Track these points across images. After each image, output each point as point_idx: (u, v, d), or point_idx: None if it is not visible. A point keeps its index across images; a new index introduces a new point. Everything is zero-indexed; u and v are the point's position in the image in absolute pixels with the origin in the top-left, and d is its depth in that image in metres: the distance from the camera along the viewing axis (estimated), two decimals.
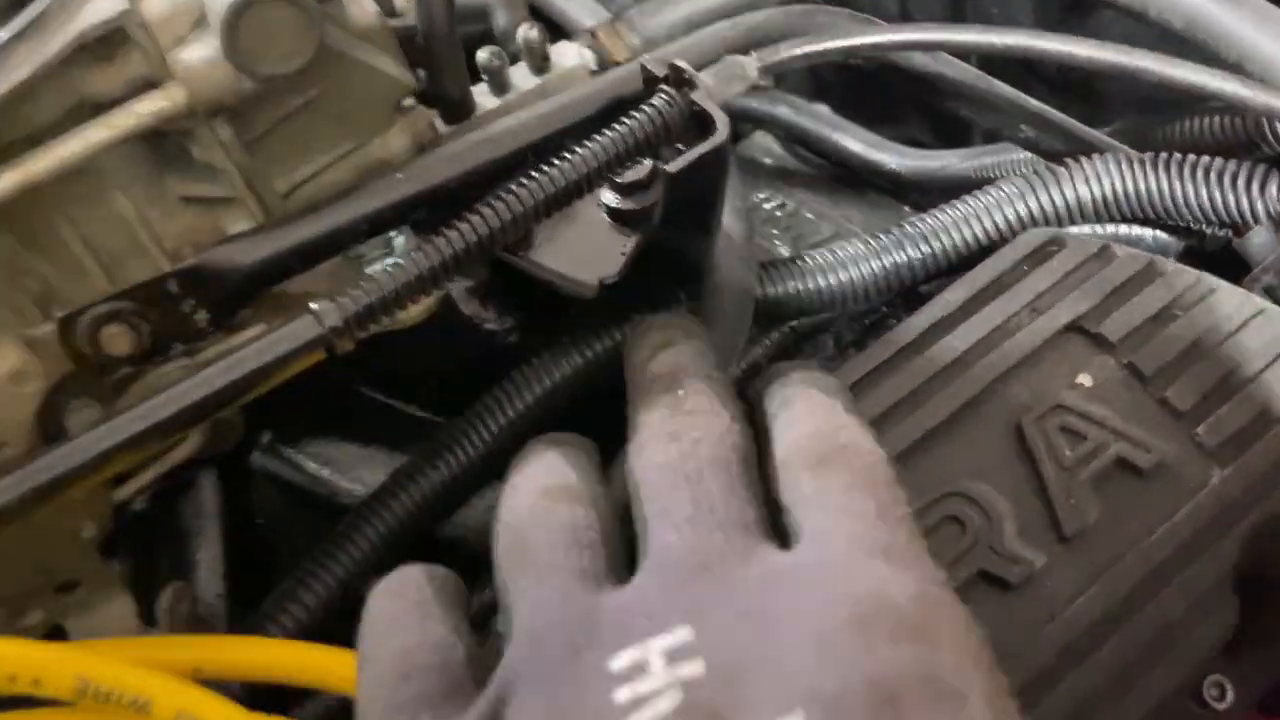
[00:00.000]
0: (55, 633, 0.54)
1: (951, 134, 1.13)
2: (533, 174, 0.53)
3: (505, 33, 0.82)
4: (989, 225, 0.70)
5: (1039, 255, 0.63)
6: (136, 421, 0.46)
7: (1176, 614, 0.53)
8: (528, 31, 0.76)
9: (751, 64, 0.56)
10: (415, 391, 0.78)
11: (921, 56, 0.67)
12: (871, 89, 1.00)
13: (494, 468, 0.69)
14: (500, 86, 0.78)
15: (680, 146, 0.57)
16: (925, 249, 0.70)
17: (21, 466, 0.49)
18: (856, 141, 1.05)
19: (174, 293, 0.53)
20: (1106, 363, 0.59)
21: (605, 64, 0.79)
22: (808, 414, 0.45)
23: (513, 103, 0.78)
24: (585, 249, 0.72)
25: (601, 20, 0.84)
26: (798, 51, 0.56)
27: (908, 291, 0.79)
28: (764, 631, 0.34)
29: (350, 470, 0.73)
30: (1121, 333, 0.59)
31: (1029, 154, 0.92)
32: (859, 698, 0.31)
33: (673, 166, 0.52)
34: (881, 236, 0.71)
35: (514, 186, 0.53)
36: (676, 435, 0.43)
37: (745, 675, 0.33)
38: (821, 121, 1.00)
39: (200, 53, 0.51)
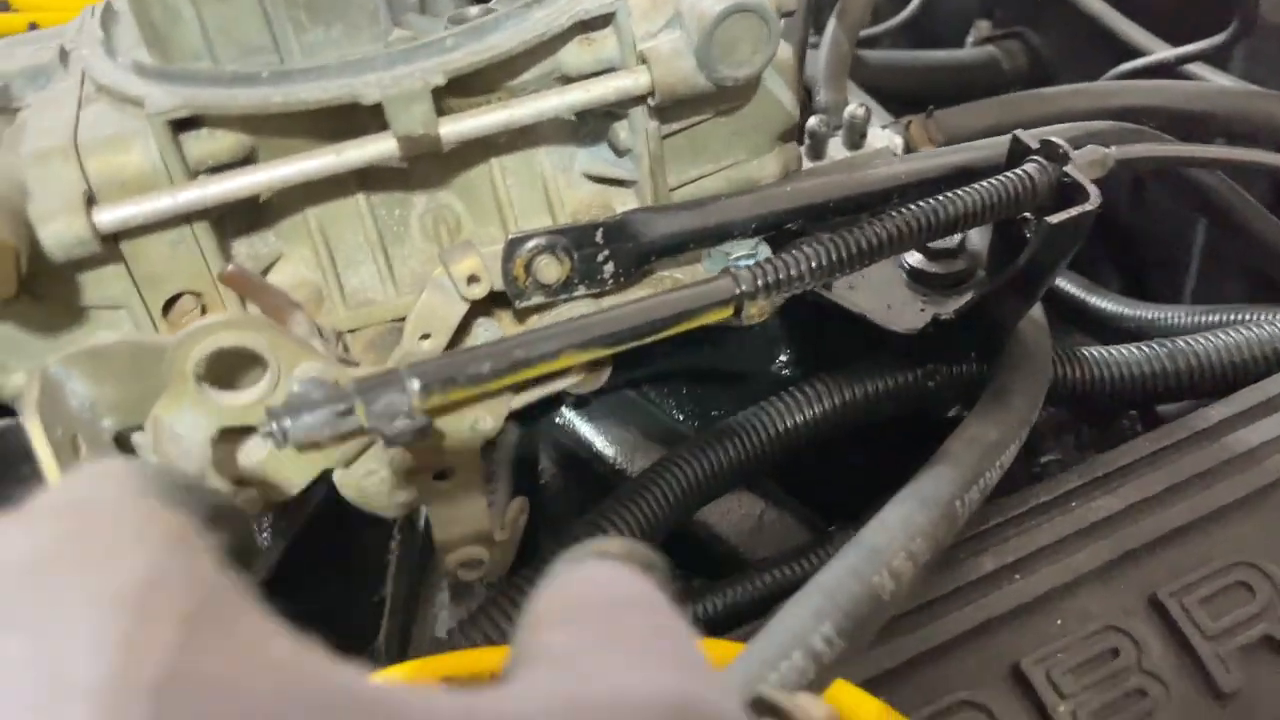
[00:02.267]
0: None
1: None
2: (924, 203, 0.60)
3: (827, 107, 0.91)
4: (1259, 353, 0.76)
5: None
6: (595, 328, 0.53)
7: None
8: (855, 109, 0.85)
9: (1112, 155, 0.63)
10: (691, 399, 0.85)
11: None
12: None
13: (746, 474, 0.74)
14: (818, 152, 0.87)
15: (1028, 215, 0.64)
16: (1194, 362, 0.76)
17: (467, 348, 0.57)
18: (1068, 281, 1.12)
19: (597, 241, 0.61)
20: None
21: (910, 150, 0.88)
22: None
23: (827, 167, 0.87)
24: (884, 302, 0.79)
25: (889, 122, 0.94)
26: (1151, 153, 0.64)
27: (1151, 403, 0.85)
28: None
29: (629, 454, 0.79)
30: None
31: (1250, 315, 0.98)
32: None
33: (1054, 218, 0.59)
34: (1155, 345, 0.77)
35: (909, 208, 0.60)
36: None
37: None
38: None
39: (671, 45, 0.60)
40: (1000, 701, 0.54)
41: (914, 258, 0.78)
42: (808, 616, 0.45)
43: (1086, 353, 0.77)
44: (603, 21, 0.61)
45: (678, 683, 0.27)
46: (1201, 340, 0.77)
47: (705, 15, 0.58)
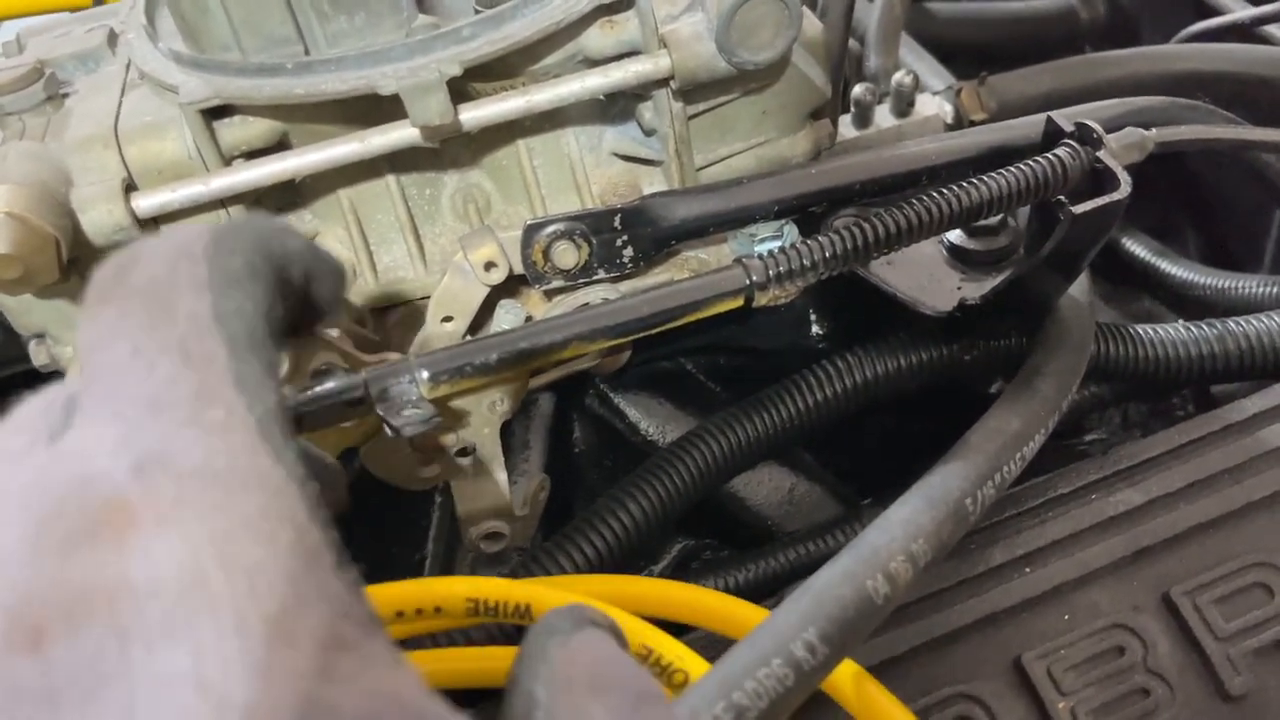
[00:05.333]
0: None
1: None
2: (948, 189, 0.59)
3: (875, 74, 0.89)
4: None
5: None
6: (602, 318, 0.54)
7: None
8: (903, 77, 0.84)
9: (1152, 138, 0.61)
10: (723, 371, 0.85)
11: None
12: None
13: (778, 446, 0.74)
14: (864, 121, 0.85)
15: (1061, 199, 0.63)
16: (1245, 345, 0.73)
17: (476, 338, 0.58)
18: (1140, 246, 1.08)
19: (615, 226, 0.61)
20: None
21: (961, 120, 0.85)
22: None
23: (872, 137, 0.86)
24: (921, 277, 0.78)
25: (949, 85, 0.91)
26: (1194, 136, 0.62)
27: (1202, 384, 0.83)
28: None
29: (661, 425, 0.81)
30: None
31: None
32: None
33: (1080, 208, 0.58)
34: (1204, 326, 0.75)
35: (933, 194, 0.59)
36: None
37: None
38: None
39: (691, 30, 0.60)
40: (998, 696, 0.55)
41: (954, 234, 0.77)
42: (793, 621, 0.46)
43: (1134, 330, 0.75)
44: (624, 4, 0.61)
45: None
46: (1254, 321, 0.75)
47: None
